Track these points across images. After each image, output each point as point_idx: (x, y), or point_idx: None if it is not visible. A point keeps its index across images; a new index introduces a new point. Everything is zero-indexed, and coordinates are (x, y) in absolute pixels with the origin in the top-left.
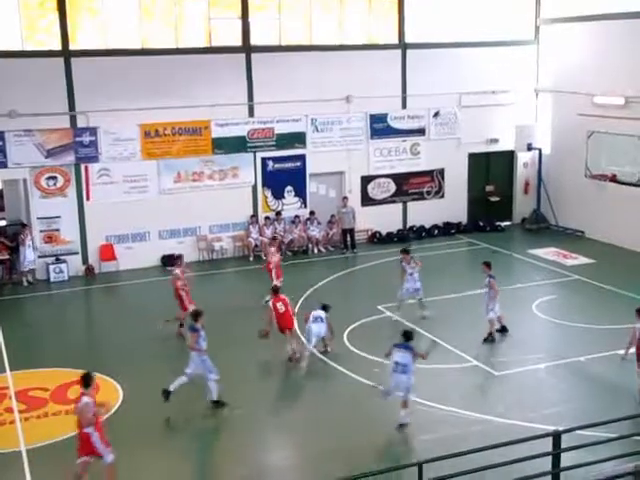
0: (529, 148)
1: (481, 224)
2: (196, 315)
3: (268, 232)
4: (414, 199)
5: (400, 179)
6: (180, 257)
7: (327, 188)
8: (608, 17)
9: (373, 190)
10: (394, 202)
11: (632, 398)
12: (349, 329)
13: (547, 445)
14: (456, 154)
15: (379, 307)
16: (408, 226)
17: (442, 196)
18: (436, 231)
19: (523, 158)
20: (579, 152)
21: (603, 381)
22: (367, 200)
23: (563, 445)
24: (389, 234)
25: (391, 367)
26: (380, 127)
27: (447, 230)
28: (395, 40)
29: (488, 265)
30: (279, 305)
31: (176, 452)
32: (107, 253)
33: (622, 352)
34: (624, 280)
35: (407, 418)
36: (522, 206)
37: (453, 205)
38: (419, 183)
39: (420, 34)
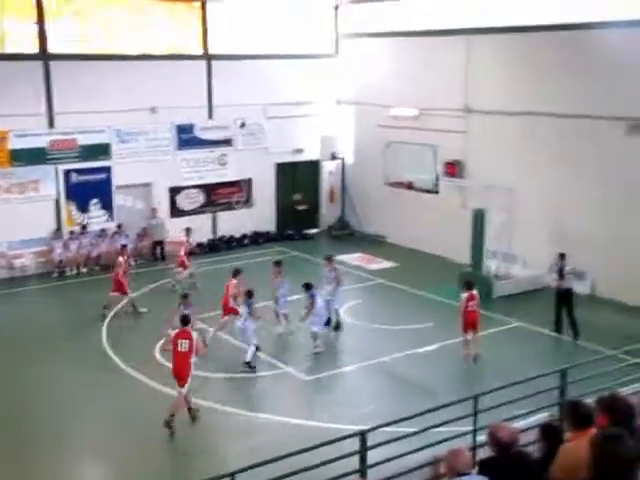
0: (333, 157)
1: (290, 232)
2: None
3: (73, 247)
4: (223, 209)
5: (209, 190)
6: (125, 246)
7: (134, 200)
8: (402, 34)
9: (182, 201)
10: (203, 212)
11: (432, 393)
12: (162, 341)
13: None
14: (264, 164)
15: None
16: (218, 236)
17: (251, 206)
18: (246, 240)
19: (328, 167)
20: (379, 161)
21: (407, 379)
22: (176, 211)
23: (370, 443)
24: (199, 245)
25: (323, 305)
26: (187, 138)
27: (256, 239)
28: (199, 51)
29: (330, 259)
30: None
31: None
32: None
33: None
34: (423, 282)
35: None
36: (328, 214)
37: (262, 214)
38: (228, 193)
39: (225, 45)
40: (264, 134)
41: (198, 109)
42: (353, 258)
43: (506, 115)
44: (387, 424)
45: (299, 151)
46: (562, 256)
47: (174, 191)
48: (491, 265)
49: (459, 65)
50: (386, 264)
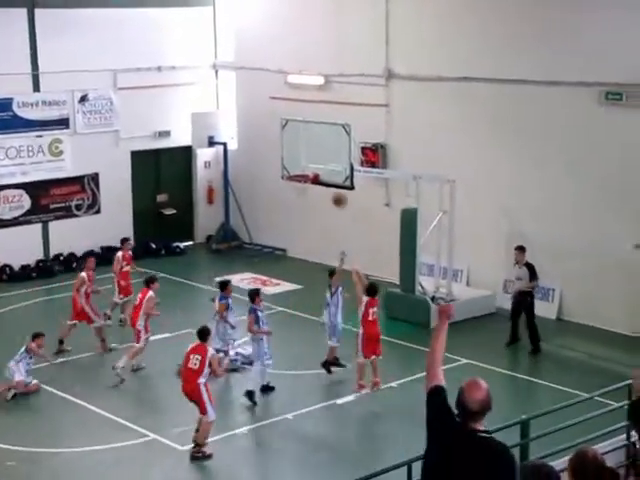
0: (211, 143)
1: (153, 246)
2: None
3: None
4: (59, 217)
5: (37, 190)
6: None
7: None
8: None
9: None
10: (30, 222)
11: (353, 461)
12: None
13: None
14: (114, 153)
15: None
16: (52, 254)
17: (98, 211)
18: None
19: (204, 156)
20: (273, 147)
21: (318, 443)
22: None
23: None
24: (25, 268)
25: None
26: (3, 117)
27: (107, 257)
28: None
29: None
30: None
31: None
32: None
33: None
34: None
35: None
36: (206, 220)
37: (114, 223)
38: (65, 195)
39: None
40: (114, 112)
41: (17, 77)
42: (242, 279)
43: (441, 82)
44: None
45: (164, 134)
46: (521, 250)
47: None
48: (427, 285)
49: (377, 15)
50: (287, 286)
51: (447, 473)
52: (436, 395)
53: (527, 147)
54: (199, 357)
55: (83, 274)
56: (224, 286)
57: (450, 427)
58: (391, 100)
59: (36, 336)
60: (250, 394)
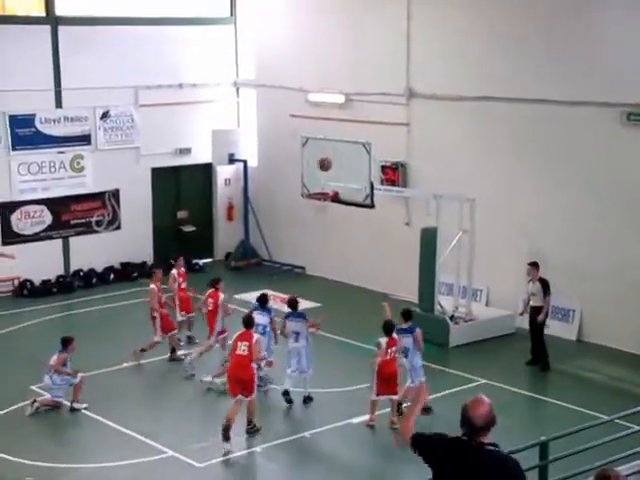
0: (231, 160)
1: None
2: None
3: None
4: (79, 233)
5: (58, 206)
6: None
7: None
8: None
9: (19, 222)
10: (51, 238)
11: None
12: None
13: None
14: (135, 169)
15: (34, 388)
16: (72, 270)
17: (118, 227)
18: (112, 275)
19: (224, 173)
20: (293, 165)
21: (334, 462)
22: (11, 236)
23: None
24: (46, 283)
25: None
26: (26, 133)
27: (127, 274)
28: (41, 11)
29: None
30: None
31: None
32: None
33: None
34: (355, 327)
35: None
36: (226, 237)
37: (134, 239)
38: (86, 210)
39: (78, 4)
40: (135, 128)
41: (41, 93)
42: None
43: (462, 101)
44: None
45: (184, 151)
46: (535, 265)
47: (7, 208)
48: (446, 304)
49: (398, 34)
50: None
51: None
52: (418, 439)
53: (548, 167)
54: (247, 343)
55: (153, 286)
56: (265, 300)
57: (453, 446)
58: (412, 119)
59: (67, 342)
60: (309, 399)
